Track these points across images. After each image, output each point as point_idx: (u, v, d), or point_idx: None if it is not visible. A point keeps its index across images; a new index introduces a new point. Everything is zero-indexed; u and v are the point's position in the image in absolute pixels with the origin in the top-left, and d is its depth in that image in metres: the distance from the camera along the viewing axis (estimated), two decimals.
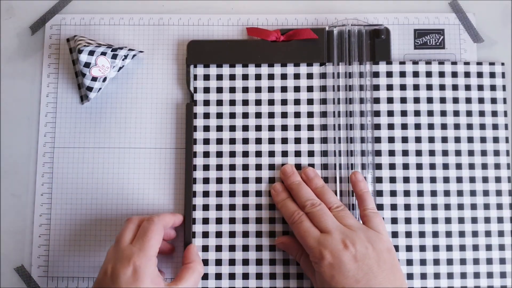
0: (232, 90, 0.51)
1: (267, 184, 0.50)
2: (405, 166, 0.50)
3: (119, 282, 0.41)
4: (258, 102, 0.51)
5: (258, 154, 0.50)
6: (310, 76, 0.52)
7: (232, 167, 0.50)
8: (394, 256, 0.44)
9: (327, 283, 0.43)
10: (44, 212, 0.51)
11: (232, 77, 0.52)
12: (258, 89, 0.51)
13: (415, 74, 0.51)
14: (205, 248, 0.49)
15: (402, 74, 0.51)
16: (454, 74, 0.51)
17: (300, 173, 0.49)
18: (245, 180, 0.50)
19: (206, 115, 0.51)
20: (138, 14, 0.54)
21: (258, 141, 0.51)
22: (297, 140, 0.51)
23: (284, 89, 0.51)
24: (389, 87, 0.51)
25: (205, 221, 0.50)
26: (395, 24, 0.53)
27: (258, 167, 0.50)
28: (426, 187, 0.50)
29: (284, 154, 0.50)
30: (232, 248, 0.49)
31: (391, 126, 0.50)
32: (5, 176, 0.52)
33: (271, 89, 0.51)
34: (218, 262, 0.49)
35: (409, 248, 0.49)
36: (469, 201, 0.49)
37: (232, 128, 0.51)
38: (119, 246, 0.44)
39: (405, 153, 0.50)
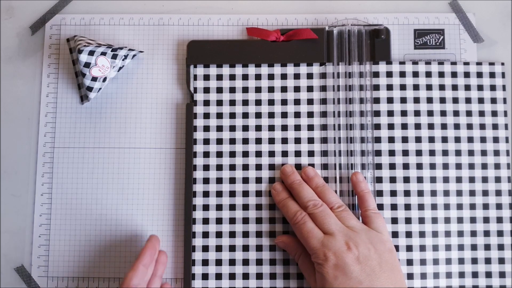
0: (232, 90, 0.51)
1: (267, 184, 0.50)
2: (405, 166, 0.50)
3: None
4: (258, 102, 0.51)
5: (258, 154, 0.50)
6: (310, 76, 0.51)
7: (232, 167, 0.50)
8: (395, 256, 0.45)
9: (329, 284, 0.43)
10: (44, 212, 0.51)
11: (232, 77, 0.52)
12: (258, 89, 0.51)
13: (415, 74, 0.51)
14: (205, 248, 0.49)
15: (402, 74, 0.51)
16: (454, 74, 0.51)
17: (300, 173, 0.49)
18: (245, 180, 0.50)
19: (206, 115, 0.51)
20: (138, 14, 0.54)
21: (258, 141, 0.51)
22: (297, 140, 0.51)
23: (284, 89, 0.51)
24: (389, 87, 0.51)
25: (205, 221, 0.50)
26: (395, 24, 0.53)
27: (258, 167, 0.50)
28: (426, 187, 0.50)
29: (284, 154, 0.50)
30: (232, 248, 0.49)
31: (391, 126, 0.50)
32: (5, 176, 0.52)
33: (271, 89, 0.51)
34: (218, 262, 0.49)
35: (409, 248, 0.49)
36: (469, 201, 0.49)
37: (232, 128, 0.51)
38: None
39: (405, 153, 0.50)
